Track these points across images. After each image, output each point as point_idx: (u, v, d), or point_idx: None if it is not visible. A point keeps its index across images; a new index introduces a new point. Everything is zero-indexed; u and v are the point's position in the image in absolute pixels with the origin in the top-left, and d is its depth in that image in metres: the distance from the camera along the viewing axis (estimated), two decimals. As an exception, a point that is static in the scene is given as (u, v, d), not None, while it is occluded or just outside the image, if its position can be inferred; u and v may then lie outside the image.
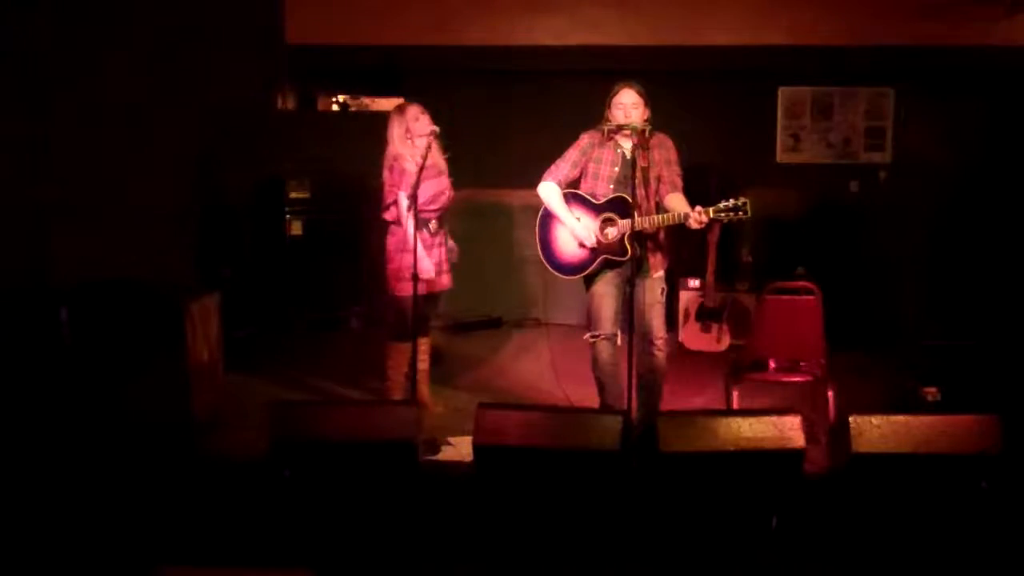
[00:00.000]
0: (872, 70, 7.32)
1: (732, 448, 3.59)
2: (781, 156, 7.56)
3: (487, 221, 7.48)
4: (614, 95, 4.47)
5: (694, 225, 4.28)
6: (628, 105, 4.43)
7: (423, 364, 5.02)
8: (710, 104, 7.30)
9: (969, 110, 7.31)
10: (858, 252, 7.33)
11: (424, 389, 5.06)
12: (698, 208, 4.27)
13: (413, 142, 4.83)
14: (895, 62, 7.18)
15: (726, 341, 6.68)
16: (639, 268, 4.46)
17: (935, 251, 7.35)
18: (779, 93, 7.51)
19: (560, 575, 3.58)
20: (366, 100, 8.66)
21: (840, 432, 3.70)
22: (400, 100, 5.27)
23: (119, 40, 5.61)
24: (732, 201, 4.24)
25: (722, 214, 4.25)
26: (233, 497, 4.01)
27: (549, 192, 4.61)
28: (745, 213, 4.23)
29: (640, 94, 4.45)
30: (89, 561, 3.58)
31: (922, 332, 6.91)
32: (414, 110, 4.88)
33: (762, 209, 4.31)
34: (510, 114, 7.49)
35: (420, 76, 7.41)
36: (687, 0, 7.20)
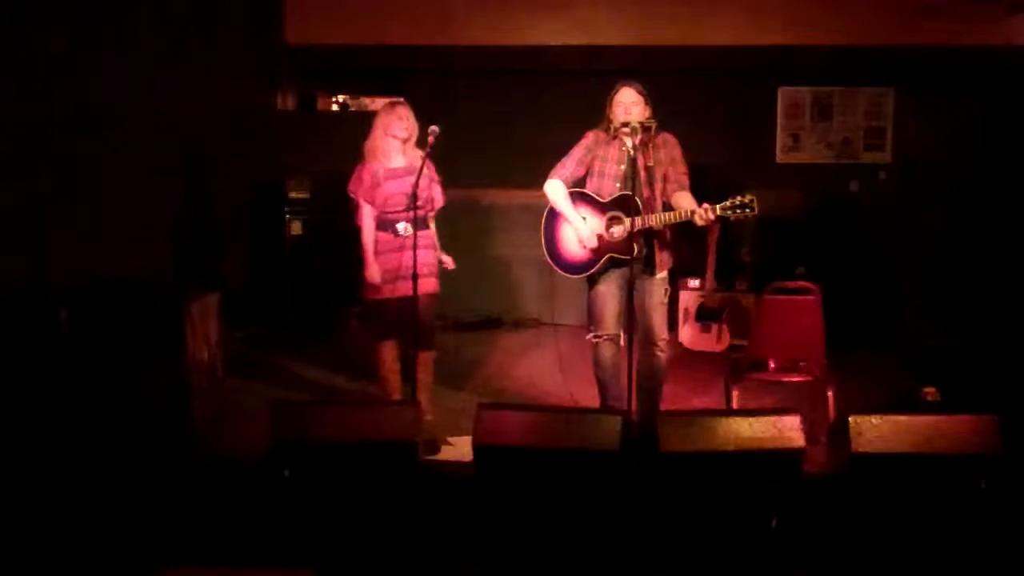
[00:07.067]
0: (872, 70, 7.32)
1: (732, 448, 3.59)
2: (781, 156, 7.56)
3: (487, 221, 7.48)
4: (614, 94, 4.49)
5: (700, 222, 4.27)
6: (628, 104, 4.44)
7: (421, 376, 4.79)
8: (710, 104, 7.29)
9: (969, 110, 7.31)
10: (858, 252, 7.33)
11: (421, 398, 4.83)
12: (705, 205, 4.26)
13: (388, 141, 4.80)
14: (895, 62, 7.18)
15: (726, 341, 6.68)
16: (645, 266, 4.46)
17: (935, 251, 7.35)
18: (779, 93, 7.51)
19: (560, 575, 3.59)
20: (366, 100, 8.63)
21: (840, 432, 3.70)
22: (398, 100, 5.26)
23: (119, 40, 5.60)
24: (739, 198, 4.22)
25: (729, 211, 4.23)
26: (233, 497, 4.01)
27: (555, 190, 4.60)
28: (752, 211, 4.21)
29: (640, 92, 4.46)
30: (90, 562, 3.58)
31: (922, 332, 6.91)
32: (401, 110, 4.83)
33: (762, 209, 4.28)
34: (510, 114, 7.47)
35: (420, 76, 7.41)
36: (687, 0, 7.20)
